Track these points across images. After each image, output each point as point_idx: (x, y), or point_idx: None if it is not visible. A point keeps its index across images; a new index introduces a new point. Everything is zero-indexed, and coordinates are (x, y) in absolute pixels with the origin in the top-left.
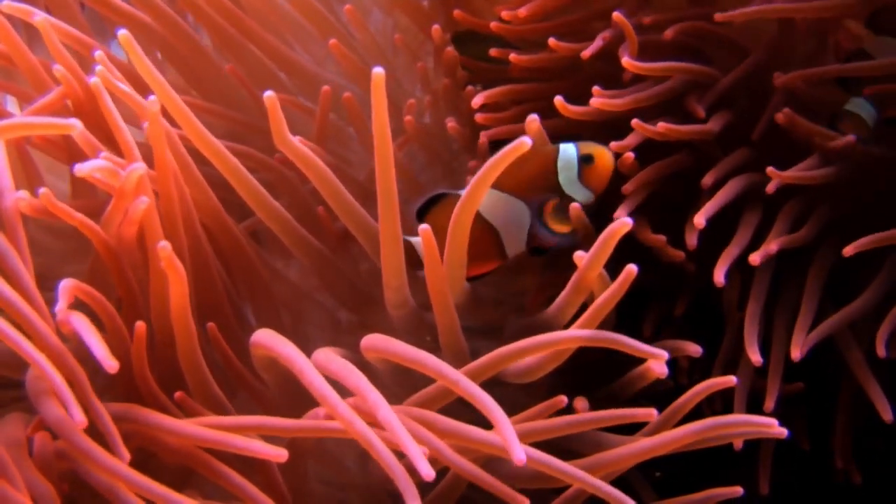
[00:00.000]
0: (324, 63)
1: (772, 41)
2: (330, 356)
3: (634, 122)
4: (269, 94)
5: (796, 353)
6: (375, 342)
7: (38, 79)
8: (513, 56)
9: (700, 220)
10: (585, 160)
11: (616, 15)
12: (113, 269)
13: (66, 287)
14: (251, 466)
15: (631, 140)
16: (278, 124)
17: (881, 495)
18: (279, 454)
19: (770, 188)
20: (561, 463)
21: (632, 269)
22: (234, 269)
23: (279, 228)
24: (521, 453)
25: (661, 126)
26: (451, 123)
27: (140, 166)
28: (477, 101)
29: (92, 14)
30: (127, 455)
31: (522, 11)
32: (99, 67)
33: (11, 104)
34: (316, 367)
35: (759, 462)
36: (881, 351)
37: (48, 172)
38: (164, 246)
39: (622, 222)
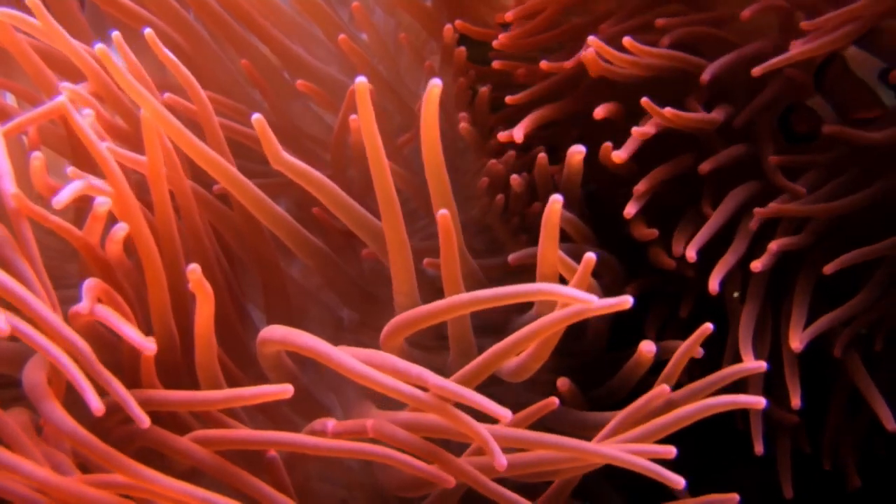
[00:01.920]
0: (327, 64)
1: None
2: (352, 348)
3: (644, 101)
4: (256, 117)
5: (796, 344)
6: (398, 322)
7: (41, 77)
8: (508, 99)
9: (691, 253)
10: None
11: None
12: (105, 279)
13: (91, 286)
14: (257, 466)
15: (649, 128)
16: (270, 145)
17: (883, 499)
18: (285, 390)
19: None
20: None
21: (590, 258)
22: (252, 265)
23: (283, 233)
24: None
25: (668, 111)
26: (462, 123)
27: (106, 202)
28: (503, 137)
29: (93, 11)
30: (147, 420)
31: (510, 15)
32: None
33: (10, 101)
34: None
35: (779, 468)
36: (837, 352)
37: (51, 173)
38: (195, 268)
39: (553, 199)
